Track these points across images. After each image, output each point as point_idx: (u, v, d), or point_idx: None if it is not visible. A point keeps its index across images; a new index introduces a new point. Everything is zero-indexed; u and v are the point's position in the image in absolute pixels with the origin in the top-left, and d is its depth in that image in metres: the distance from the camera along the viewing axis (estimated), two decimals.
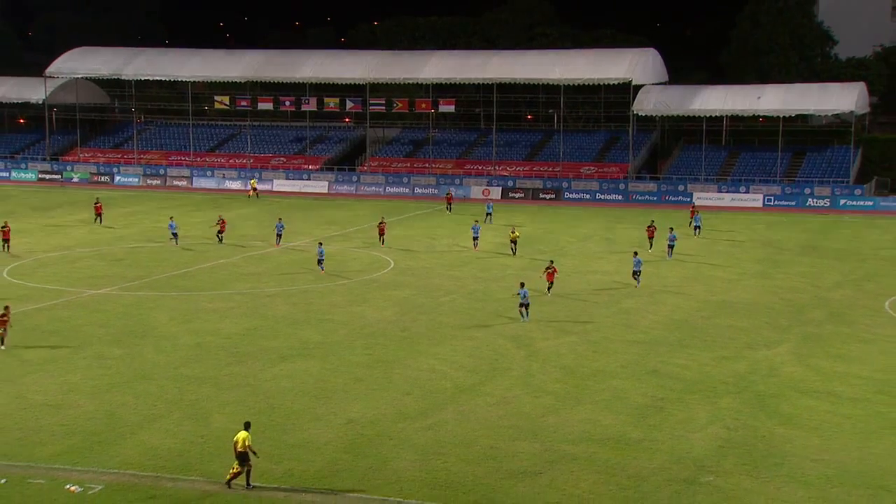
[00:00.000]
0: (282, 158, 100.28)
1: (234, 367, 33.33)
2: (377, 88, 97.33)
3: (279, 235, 59.29)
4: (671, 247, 55.49)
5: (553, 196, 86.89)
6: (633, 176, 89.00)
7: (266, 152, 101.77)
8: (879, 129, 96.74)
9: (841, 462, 25.11)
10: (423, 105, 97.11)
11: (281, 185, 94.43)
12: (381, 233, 58.92)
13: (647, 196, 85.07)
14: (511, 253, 55.87)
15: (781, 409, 29.38)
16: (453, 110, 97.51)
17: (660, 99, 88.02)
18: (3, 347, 35.11)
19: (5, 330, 35.40)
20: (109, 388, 30.99)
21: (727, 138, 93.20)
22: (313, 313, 41.64)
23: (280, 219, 61.67)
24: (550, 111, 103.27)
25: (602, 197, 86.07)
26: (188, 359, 34.36)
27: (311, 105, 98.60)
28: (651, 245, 57.07)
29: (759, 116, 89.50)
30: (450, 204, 76.88)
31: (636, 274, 46.38)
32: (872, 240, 63.05)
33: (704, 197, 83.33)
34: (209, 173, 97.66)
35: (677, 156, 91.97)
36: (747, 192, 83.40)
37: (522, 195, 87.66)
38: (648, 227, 58.41)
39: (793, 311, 42.66)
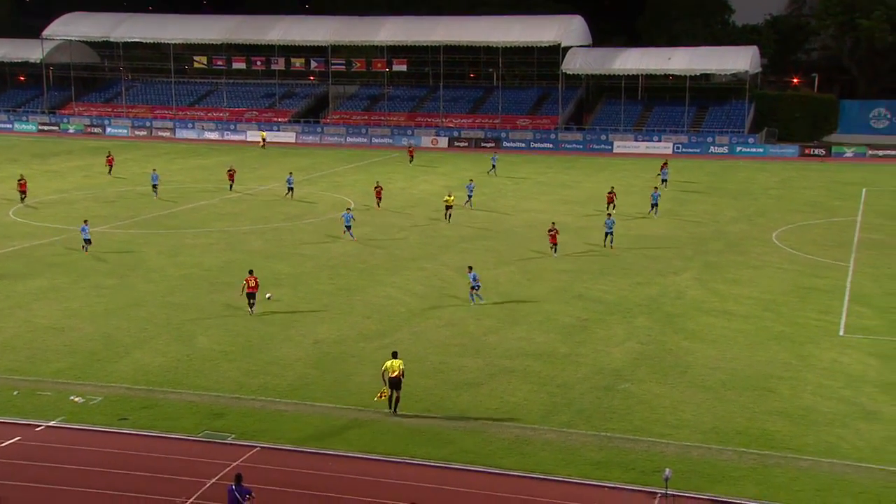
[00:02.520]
0: (254, 112, 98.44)
1: (215, 295, 32.97)
2: (338, 50, 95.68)
3: (290, 189, 54.25)
4: (655, 205, 49.91)
5: (493, 145, 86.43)
6: (562, 127, 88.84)
7: (240, 106, 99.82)
8: (769, 86, 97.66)
9: (734, 369, 25.74)
10: (379, 64, 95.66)
11: (254, 135, 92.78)
12: (378, 196, 51.15)
13: (574, 144, 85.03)
14: (445, 220, 46.31)
15: (686, 326, 29.94)
16: (405, 69, 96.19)
17: (585, 59, 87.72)
18: None
19: None
20: (106, 313, 30.51)
21: (642, 94, 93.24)
22: (284, 248, 41.24)
23: (291, 173, 56.30)
24: (490, 70, 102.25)
25: (535, 145, 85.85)
26: (174, 288, 33.90)
27: (279, 64, 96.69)
28: (609, 209, 49.33)
29: (669, 75, 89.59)
30: (412, 156, 74.34)
31: (608, 236, 40.86)
32: (762, 181, 63.91)
33: (623, 145, 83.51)
34: (190, 125, 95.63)
35: (600, 109, 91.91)
36: (659, 140, 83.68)
37: (467, 144, 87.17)
38: (608, 192, 51.35)
39: (696, 243, 43.21)
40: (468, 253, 40.57)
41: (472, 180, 52.79)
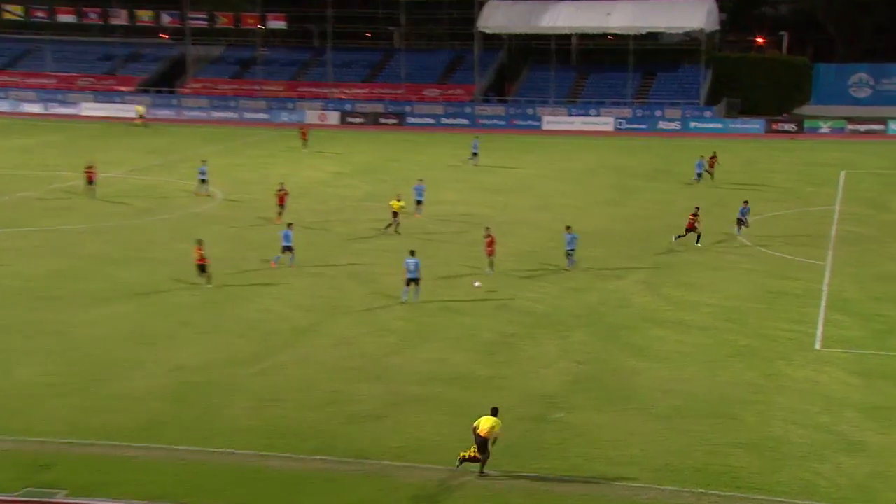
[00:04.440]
0: (89, 79, 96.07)
1: (41, 313, 32.09)
2: (198, 0, 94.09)
3: (203, 181, 52.52)
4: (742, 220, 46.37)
5: (395, 121, 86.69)
6: (480, 99, 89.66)
7: (70, 71, 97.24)
8: (729, 47, 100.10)
9: (690, 392, 26.42)
10: (250, 20, 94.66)
11: (90, 108, 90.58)
12: (281, 203, 46.35)
13: (494, 120, 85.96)
14: (392, 230, 44.40)
15: (632, 341, 30.59)
16: (284, 26, 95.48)
17: (506, 15, 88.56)
18: None
19: None
20: None
21: (577, 58, 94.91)
22: (131, 251, 40.47)
23: (204, 162, 54.33)
24: (390, 28, 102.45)
25: (447, 121, 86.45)
26: None
27: (121, 18, 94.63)
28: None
29: (608, 34, 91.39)
30: (305, 139, 71.81)
31: (569, 253, 38.60)
32: (722, 164, 65.72)
33: (554, 121, 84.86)
34: (1, 94, 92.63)
35: (525, 77, 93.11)
36: (598, 115, 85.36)
37: (362, 120, 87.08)
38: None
39: (643, 239, 44.21)
40: (364, 255, 40.56)
41: (421, 180, 49.68)
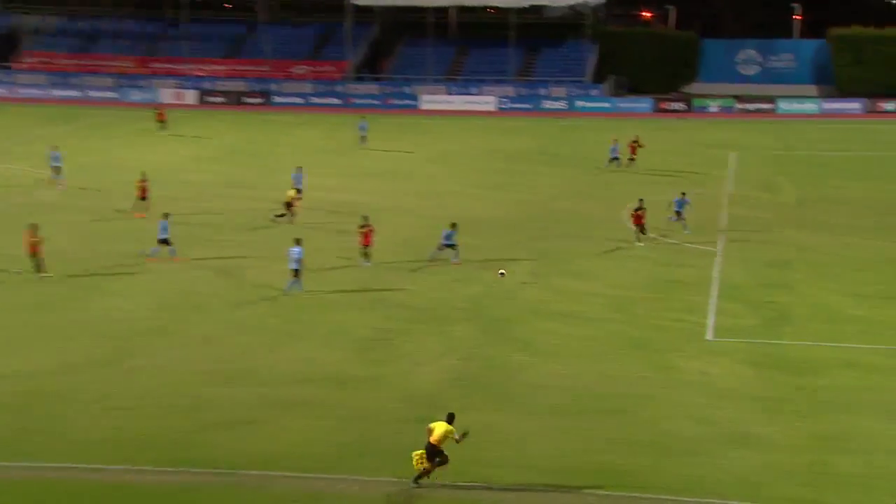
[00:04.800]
0: None
1: None
2: None
3: (55, 168, 50.71)
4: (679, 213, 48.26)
5: (260, 100, 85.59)
6: (352, 76, 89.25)
7: None
8: (615, 22, 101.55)
9: (579, 388, 26.87)
10: None
11: None
12: (142, 194, 45.28)
13: (368, 99, 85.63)
14: (285, 221, 43.60)
15: (518, 335, 30.94)
16: None
17: None
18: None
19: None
20: None
21: (455, 32, 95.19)
22: None
23: (55, 147, 52.21)
24: None
25: (317, 101, 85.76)
26: None
27: None
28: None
29: (489, 7, 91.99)
30: (162, 120, 69.27)
31: (445, 247, 38.37)
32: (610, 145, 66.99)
33: (433, 100, 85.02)
34: None
35: (401, 53, 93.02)
36: (479, 93, 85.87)
37: (223, 99, 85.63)
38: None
39: (528, 226, 44.73)
40: (228, 247, 40.03)
41: (300, 168, 48.77)
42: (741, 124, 77.25)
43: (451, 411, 21.90)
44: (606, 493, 21.34)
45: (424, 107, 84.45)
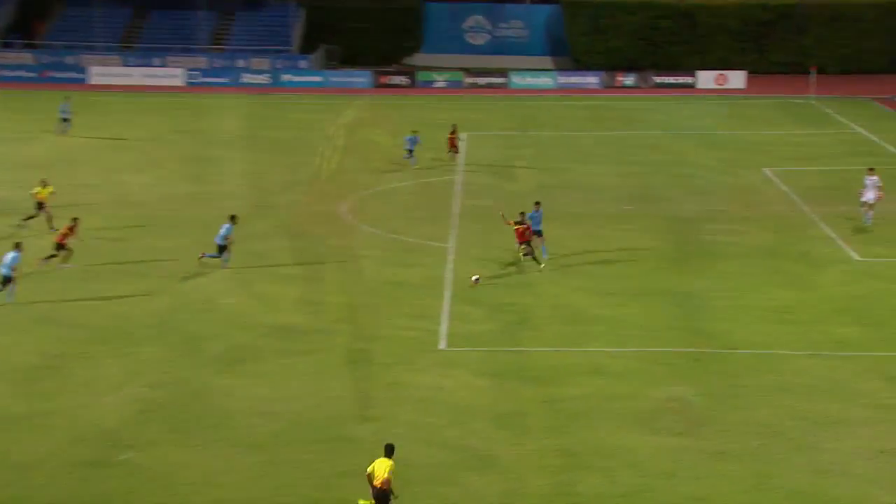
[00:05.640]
0: None
1: None
2: None
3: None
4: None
5: None
6: None
7: None
8: None
9: (295, 413, 26.81)
10: None
11: None
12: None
13: (19, 71, 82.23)
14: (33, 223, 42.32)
15: (220, 354, 30.62)
16: None
17: None
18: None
19: None
20: None
21: None
22: None
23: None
24: None
25: None
26: None
27: None
28: None
29: None
30: None
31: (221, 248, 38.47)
32: (324, 125, 67.22)
33: (105, 73, 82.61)
34: None
35: (61, 14, 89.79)
36: (163, 65, 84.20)
37: None
38: None
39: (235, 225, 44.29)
40: None
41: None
42: (471, 101, 79.29)
43: (388, 443, 22.07)
44: None
45: (94, 81, 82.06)
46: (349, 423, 26.33)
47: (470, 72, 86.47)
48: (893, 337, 32.61)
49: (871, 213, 44.05)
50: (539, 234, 39.38)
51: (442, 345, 31.89)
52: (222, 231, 38.04)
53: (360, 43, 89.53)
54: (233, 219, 38.44)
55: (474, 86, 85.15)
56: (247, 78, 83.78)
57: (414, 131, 55.19)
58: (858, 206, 44.26)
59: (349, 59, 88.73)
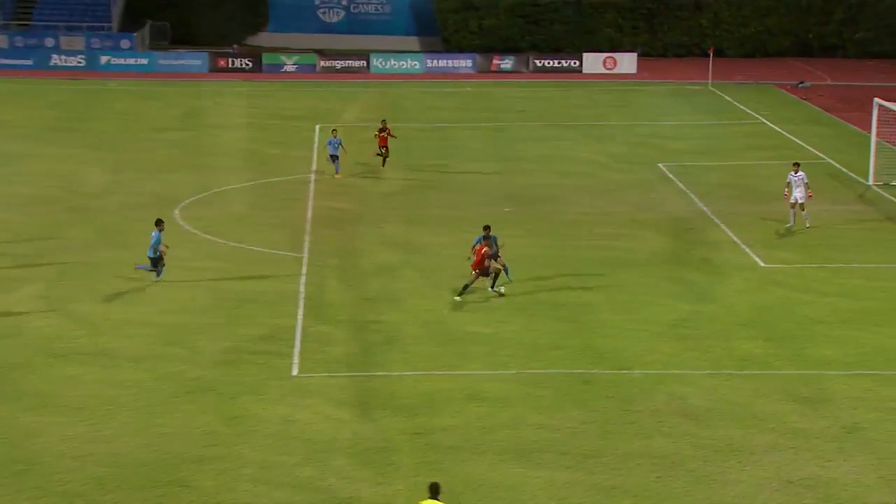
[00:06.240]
0: None
1: None
2: None
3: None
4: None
5: None
6: None
7: None
8: None
9: (119, 455, 26.26)
10: None
11: None
12: None
13: None
14: None
15: (27, 386, 29.92)
16: None
17: None
18: None
19: None
20: None
21: None
22: None
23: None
24: None
25: None
26: None
27: None
28: None
29: None
30: None
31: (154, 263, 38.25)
32: (152, 116, 66.45)
33: None
34: None
35: None
36: None
37: None
38: None
39: (48, 233, 43.87)
40: None
41: None
42: (326, 87, 79.11)
43: (433, 481, 21.98)
44: None
45: None
46: (185, 466, 25.87)
47: (324, 54, 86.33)
48: (800, 353, 33.13)
49: (805, 213, 44.98)
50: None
51: (295, 371, 31.58)
52: (152, 240, 37.62)
53: (194, 20, 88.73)
54: (159, 224, 37.95)
55: (330, 70, 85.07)
56: (57, 60, 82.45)
57: (334, 131, 53.73)
58: (788, 207, 45.12)
59: (181, 39, 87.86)
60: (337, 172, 52.81)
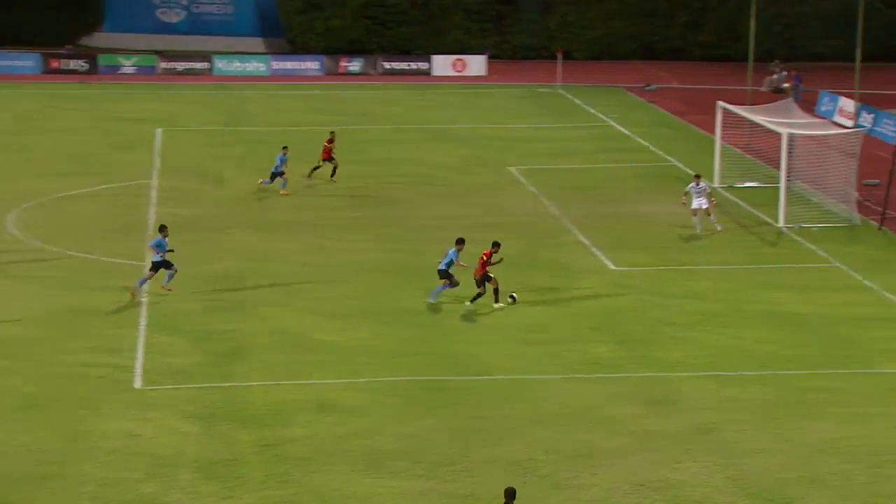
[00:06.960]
0: None
1: None
2: None
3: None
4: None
5: None
6: None
7: None
8: None
9: None
10: None
11: None
12: None
13: None
14: None
15: None
16: None
17: None
18: None
19: None
20: None
21: None
22: None
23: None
24: None
25: None
26: None
27: None
28: None
29: None
30: None
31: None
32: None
33: None
34: None
35: None
36: None
37: None
38: None
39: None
40: None
41: None
42: (167, 90, 78.35)
43: (509, 486, 21.40)
44: None
45: None
46: (21, 486, 25.36)
47: (165, 55, 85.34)
48: (649, 355, 33.69)
49: (712, 217, 45.91)
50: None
51: (138, 383, 31.19)
52: (152, 244, 37.73)
53: (23, 18, 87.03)
54: (162, 230, 37.82)
55: (171, 72, 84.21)
56: None
57: (284, 148, 52.04)
58: (691, 215, 45.86)
59: (9, 39, 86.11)
60: (284, 189, 51.51)
